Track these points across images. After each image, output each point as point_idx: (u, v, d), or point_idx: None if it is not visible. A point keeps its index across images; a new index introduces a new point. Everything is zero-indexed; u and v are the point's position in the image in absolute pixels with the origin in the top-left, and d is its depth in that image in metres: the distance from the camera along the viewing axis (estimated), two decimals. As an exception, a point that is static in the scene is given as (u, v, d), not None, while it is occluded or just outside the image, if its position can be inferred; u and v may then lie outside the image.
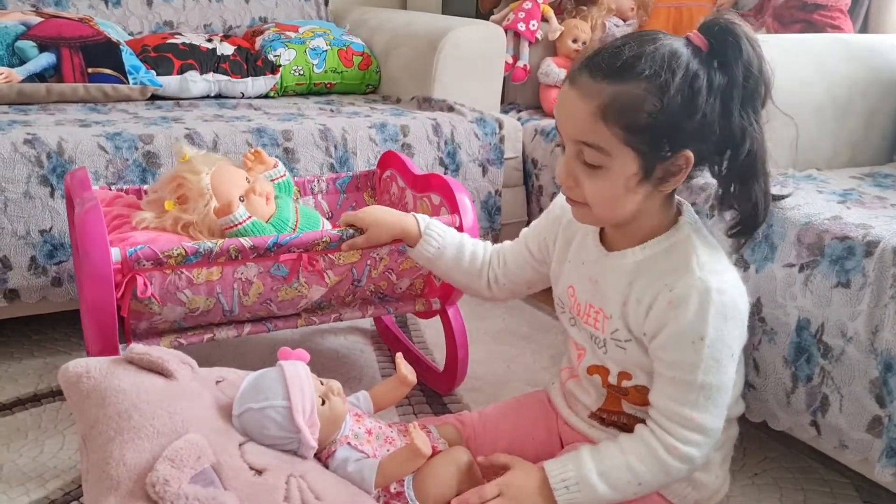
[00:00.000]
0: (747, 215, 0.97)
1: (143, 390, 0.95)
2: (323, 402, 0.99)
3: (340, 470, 0.99)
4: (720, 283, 0.93)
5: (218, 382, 1.05)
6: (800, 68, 1.51)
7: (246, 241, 1.17)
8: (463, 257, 1.20)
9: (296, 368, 0.98)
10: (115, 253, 1.10)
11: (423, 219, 1.22)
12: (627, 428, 1.03)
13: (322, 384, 1.02)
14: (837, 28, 2.08)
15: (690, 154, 0.91)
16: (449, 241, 1.20)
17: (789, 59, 1.52)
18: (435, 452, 1.05)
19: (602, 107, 0.89)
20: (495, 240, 1.95)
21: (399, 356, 1.12)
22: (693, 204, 1.05)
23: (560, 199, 1.13)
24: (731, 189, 0.97)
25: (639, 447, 0.97)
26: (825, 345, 1.10)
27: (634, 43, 0.90)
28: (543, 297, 1.97)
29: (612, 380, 1.03)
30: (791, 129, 1.48)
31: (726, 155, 0.94)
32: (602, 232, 1.06)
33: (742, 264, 1.22)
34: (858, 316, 1.06)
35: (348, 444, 1.01)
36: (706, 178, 1.00)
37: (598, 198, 0.95)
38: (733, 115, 0.91)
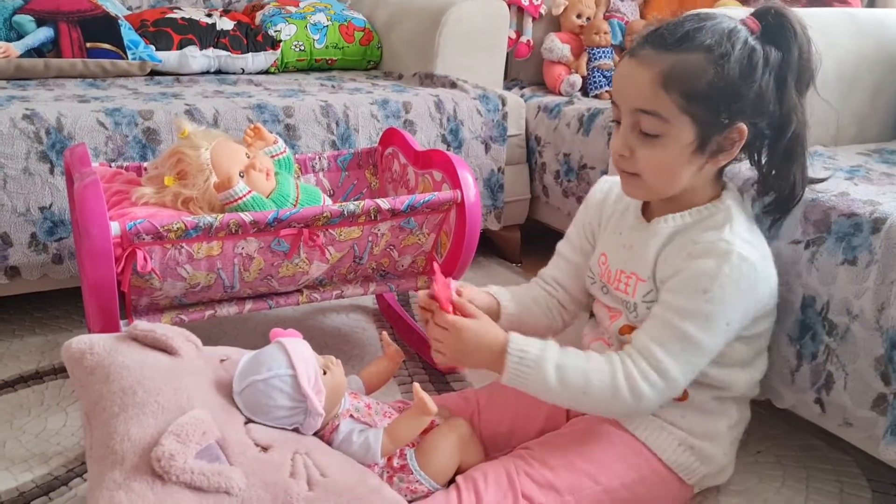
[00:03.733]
0: (785, 196, 1.02)
1: (147, 367, 0.95)
2: (325, 373, 0.99)
3: (345, 443, 0.99)
4: (747, 251, 0.95)
5: (222, 361, 1.04)
6: (807, 43, 1.49)
7: (246, 216, 1.17)
8: (529, 305, 1.18)
9: (294, 341, 0.98)
10: (115, 227, 1.10)
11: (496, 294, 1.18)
12: None
13: (321, 357, 1.02)
14: (845, 2, 2.05)
15: (745, 127, 0.95)
16: (512, 292, 1.18)
17: (796, 33, 1.50)
18: (433, 426, 1.05)
19: (663, 74, 0.93)
20: (498, 217, 1.95)
21: (384, 334, 1.14)
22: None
23: (598, 185, 1.18)
24: (772, 172, 1.01)
25: (602, 363, 0.98)
26: (830, 322, 1.10)
27: (695, 18, 0.95)
28: (546, 275, 1.96)
29: None
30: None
31: (773, 135, 0.98)
32: (644, 206, 1.08)
33: (747, 241, 1.21)
34: (864, 293, 1.05)
35: (351, 416, 1.01)
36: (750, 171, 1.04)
37: (652, 168, 0.98)
38: (788, 91, 0.96)
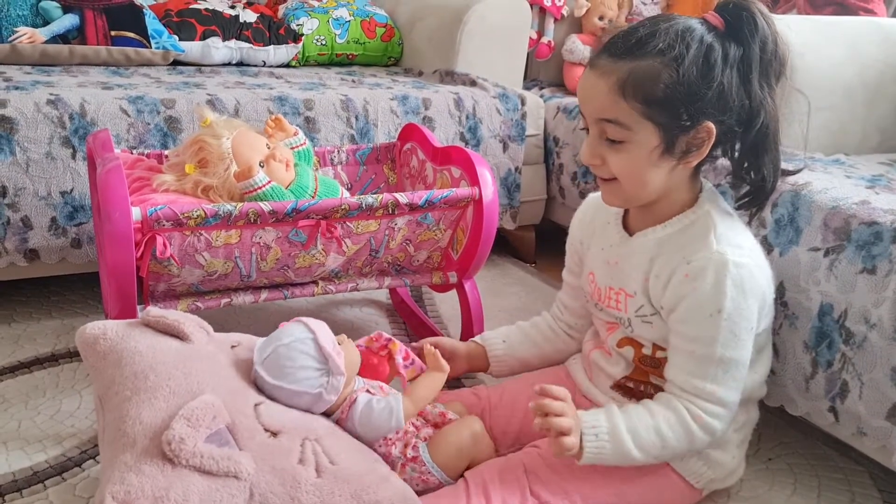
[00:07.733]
0: (757, 187, 1.01)
1: (159, 352, 0.96)
2: (339, 344, 1.01)
3: (367, 410, 1.00)
4: (738, 256, 0.95)
5: (233, 347, 1.05)
6: (832, 50, 1.47)
7: (265, 205, 1.17)
8: (529, 332, 1.23)
9: (308, 319, 1.01)
10: (136, 212, 1.11)
11: (483, 340, 1.24)
12: (649, 398, 1.03)
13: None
14: (870, 12, 2.03)
15: (711, 126, 0.94)
16: (508, 330, 1.23)
17: (822, 40, 1.48)
18: (447, 422, 1.06)
19: (620, 82, 0.93)
20: (514, 216, 1.95)
21: (427, 346, 1.10)
22: (717, 185, 1.06)
23: (583, 206, 1.18)
24: (744, 164, 1.00)
25: (667, 412, 0.97)
26: (847, 331, 1.09)
27: (649, 23, 0.95)
28: (558, 276, 1.96)
29: (647, 351, 1.04)
30: (823, 112, 1.45)
31: (742, 130, 0.97)
32: (625, 218, 1.07)
33: (766, 247, 1.20)
34: (883, 302, 1.04)
35: (367, 391, 1.02)
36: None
37: (624, 172, 0.97)
38: (752, 86, 0.94)
